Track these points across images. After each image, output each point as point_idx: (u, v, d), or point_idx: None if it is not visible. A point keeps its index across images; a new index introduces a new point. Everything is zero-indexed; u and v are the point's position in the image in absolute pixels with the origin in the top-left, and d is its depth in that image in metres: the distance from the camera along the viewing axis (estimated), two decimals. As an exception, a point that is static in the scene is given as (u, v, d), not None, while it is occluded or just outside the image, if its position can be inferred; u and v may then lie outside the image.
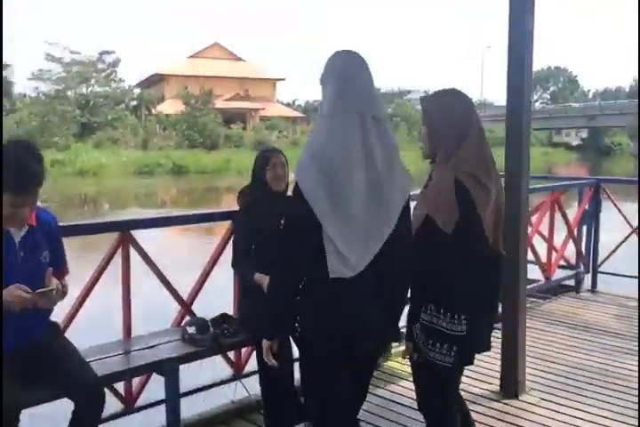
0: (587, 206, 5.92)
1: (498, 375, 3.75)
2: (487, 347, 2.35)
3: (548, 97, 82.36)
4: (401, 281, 2.05)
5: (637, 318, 4.81)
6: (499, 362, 3.86)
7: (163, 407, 2.96)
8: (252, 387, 3.45)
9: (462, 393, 3.57)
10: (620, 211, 5.98)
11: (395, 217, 1.93)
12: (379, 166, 1.89)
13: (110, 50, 38.72)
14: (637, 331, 4.45)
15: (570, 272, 5.98)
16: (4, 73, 43.63)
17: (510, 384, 3.62)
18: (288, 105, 60.08)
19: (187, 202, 23.85)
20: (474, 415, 3.35)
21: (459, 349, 2.16)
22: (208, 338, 2.89)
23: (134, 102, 42.12)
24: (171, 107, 42.43)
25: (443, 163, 2.17)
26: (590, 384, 3.76)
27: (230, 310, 3.39)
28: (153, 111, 41.85)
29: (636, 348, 4.24)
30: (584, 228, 6.02)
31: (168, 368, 2.72)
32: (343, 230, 1.83)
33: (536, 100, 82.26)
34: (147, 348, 2.87)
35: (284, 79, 54.84)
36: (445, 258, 2.09)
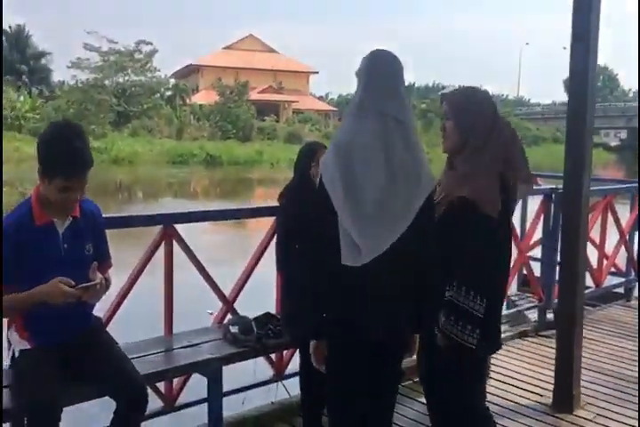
0: (640, 211, 5.65)
1: (549, 387, 3.58)
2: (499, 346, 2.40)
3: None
4: (431, 278, 2.07)
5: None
6: (548, 373, 3.70)
7: (203, 406, 2.88)
8: (292, 389, 3.35)
9: (512, 405, 3.46)
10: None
11: (412, 214, 1.97)
12: (397, 166, 1.93)
13: (147, 40, 38.87)
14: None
15: (620, 279, 5.74)
16: (44, 61, 44.39)
17: (564, 398, 3.44)
18: (321, 98, 59.92)
19: (219, 192, 23.89)
20: (524, 427, 3.23)
21: (482, 332, 2.16)
22: (252, 339, 2.78)
23: (169, 92, 42.38)
24: (205, 98, 42.62)
25: (476, 151, 2.22)
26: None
27: (272, 309, 3.28)
28: (187, 102, 42.06)
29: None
30: (636, 234, 5.76)
31: (211, 369, 2.62)
32: (356, 221, 1.89)
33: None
34: (188, 346, 2.78)
35: (317, 72, 54.72)
36: (488, 241, 2.15)
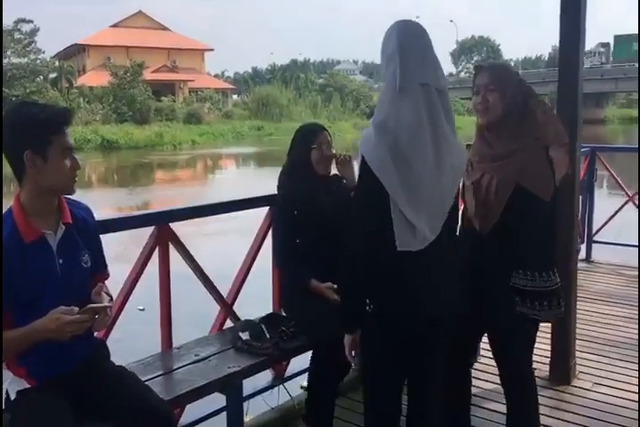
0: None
1: (543, 360, 3.56)
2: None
3: (472, 67, 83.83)
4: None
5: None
6: (540, 346, 3.68)
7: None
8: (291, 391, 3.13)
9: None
10: (617, 180, 5.92)
11: (454, 190, 1.93)
12: (443, 139, 1.84)
13: (28, 18, 35.99)
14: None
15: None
16: None
17: (562, 370, 3.43)
18: (217, 76, 58.42)
19: (117, 179, 22.63)
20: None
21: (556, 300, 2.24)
22: (269, 345, 2.49)
23: (54, 75, 39.63)
24: (94, 79, 40.24)
25: (518, 125, 2.17)
26: (634, 361, 3.61)
27: (268, 309, 3.02)
28: (74, 84, 39.51)
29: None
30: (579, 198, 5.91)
31: (231, 386, 2.31)
32: (412, 202, 1.79)
33: (460, 71, 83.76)
34: (198, 361, 2.44)
35: (212, 50, 53.13)
36: (548, 226, 2.19)
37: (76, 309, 1.83)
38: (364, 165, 1.81)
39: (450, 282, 1.95)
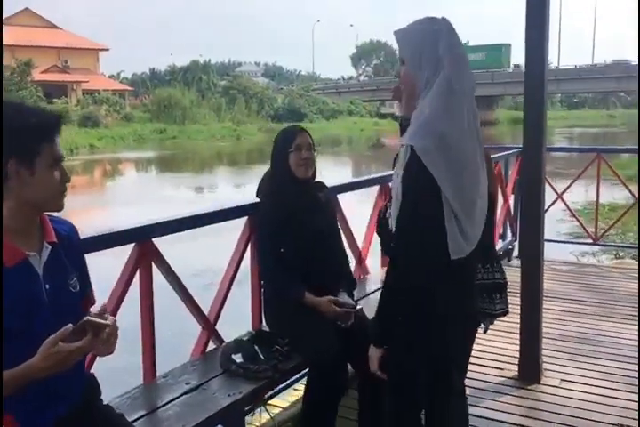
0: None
1: (507, 360, 3.60)
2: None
3: (371, 70, 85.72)
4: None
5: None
6: (503, 345, 3.74)
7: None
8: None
9: (478, 383, 3.41)
10: (547, 181, 6.14)
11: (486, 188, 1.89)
12: (477, 143, 1.82)
13: None
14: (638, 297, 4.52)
15: (502, 242, 6.06)
16: None
17: (531, 369, 3.47)
18: (112, 77, 56.13)
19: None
20: (498, 406, 3.20)
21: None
22: (267, 367, 2.31)
23: None
24: (-24, 80, 37.49)
25: None
26: (595, 356, 3.72)
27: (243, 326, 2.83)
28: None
29: (608, 312, 4.36)
30: (511, 198, 6.11)
31: (233, 417, 2.11)
32: (463, 203, 1.74)
33: (360, 74, 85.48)
34: (191, 390, 2.21)
35: (108, 49, 51.02)
36: None
37: (70, 326, 1.58)
38: (418, 165, 1.70)
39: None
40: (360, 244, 3.93)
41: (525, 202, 3.54)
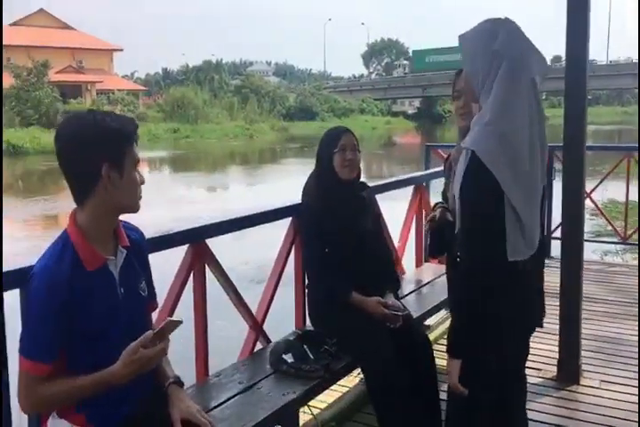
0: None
1: (548, 362, 3.58)
2: None
3: (382, 69, 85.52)
4: None
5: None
6: (541, 347, 3.71)
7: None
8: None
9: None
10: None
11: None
12: (543, 136, 1.81)
13: None
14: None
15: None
16: None
17: (570, 370, 3.45)
18: (126, 77, 56.47)
19: (22, 187, 21.33)
20: (538, 407, 3.19)
21: None
22: (319, 367, 2.33)
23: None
24: (-8, 80, 37.79)
25: None
26: (632, 357, 3.68)
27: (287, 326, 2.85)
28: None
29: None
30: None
31: (288, 417, 2.13)
32: (527, 208, 1.73)
33: (372, 73, 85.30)
34: (245, 389, 2.23)
35: (122, 50, 51.28)
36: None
37: (151, 332, 1.62)
38: (480, 168, 1.69)
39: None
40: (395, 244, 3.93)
41: (567, 202, 3.50)
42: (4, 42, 41.94)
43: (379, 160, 28.48)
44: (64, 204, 16.15)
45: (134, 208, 1.73)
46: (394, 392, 2.39)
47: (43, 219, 14.20)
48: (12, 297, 1.85)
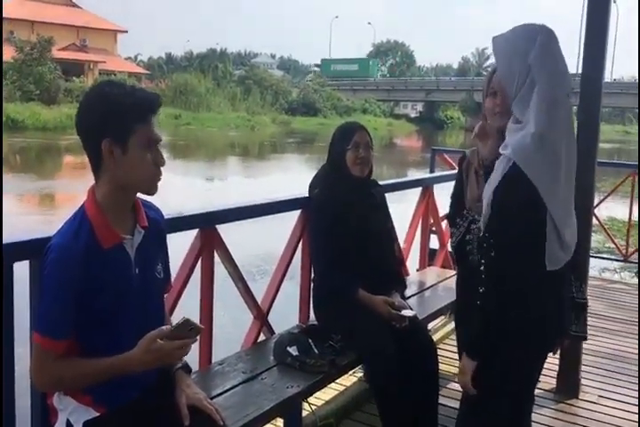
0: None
1: (547, 373, 3.54)
2: None
3: (386, 70, 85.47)
4: None
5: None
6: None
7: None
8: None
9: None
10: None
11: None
12: (572, 150, 1.81)
13: None
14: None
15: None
16: None
17: (570, 383, 3.43)
18: (129, 59, 56.08)
19: (19, 163, 21.08)
20: (536, 418, 3.16)
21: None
22: (324, 362, 2.29)
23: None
24: (-5, 53, 37.43)
25: None
26: (631, 374, 3.67)
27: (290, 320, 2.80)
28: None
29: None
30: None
31: (292, 409, 2.09)
32: (565, 216, 1.75)
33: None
34: (249, 379, 2.20)
35: (126, 31, 50.95)
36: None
37: (169, 327, 1.57)
38: (520, 178, 1.69)
39: None
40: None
41: (578, 217, 3.48)
42: (9, 15, 41.60)
43: (377, 162, 28.48)
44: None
45: (144, 189, 1.67)
46: (394, 391, 2.36)
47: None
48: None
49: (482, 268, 1.78)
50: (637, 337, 4.01)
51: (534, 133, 1.70)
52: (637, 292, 5.02)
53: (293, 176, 16.21)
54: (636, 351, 4.00)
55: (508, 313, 1.72)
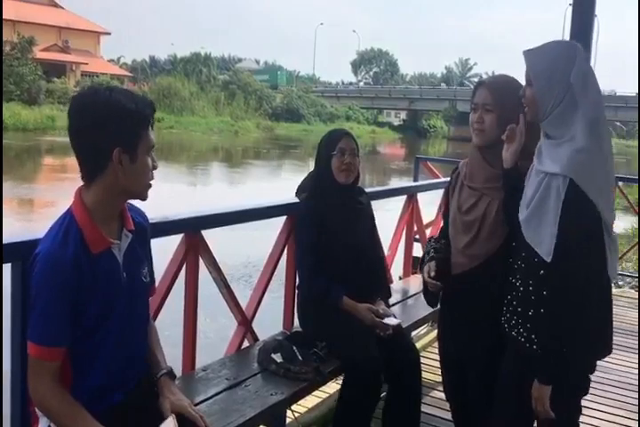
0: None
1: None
2: None
3: (371, 78, 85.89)
4: None
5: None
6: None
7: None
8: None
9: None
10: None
11: None
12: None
13: None
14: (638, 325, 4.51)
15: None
16: None
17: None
18: (111, 61, 55.70)
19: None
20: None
21: None
22: (308, 369, 2.28)
23: None
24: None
25: None
26: (603, 382, 3.69)
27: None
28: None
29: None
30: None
31: (276, 416, 2.08)
32: (611, 225, 1.79)
33: (360, 81, 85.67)
34: (232, 386, 2.18)
35: (109, 33, 50.64)
36: None
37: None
38: (582, 200, 1.69)
39: None
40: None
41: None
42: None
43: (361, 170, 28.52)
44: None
45: (142, 195, 1.66)
46: (368, 406, 2.38)
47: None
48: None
49: (521, 287, 1.83)
50: (638, 352, 4.01)
51: (585, 150, 1.71)
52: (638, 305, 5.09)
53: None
54: (609, 361, 4.03)
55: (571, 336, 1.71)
